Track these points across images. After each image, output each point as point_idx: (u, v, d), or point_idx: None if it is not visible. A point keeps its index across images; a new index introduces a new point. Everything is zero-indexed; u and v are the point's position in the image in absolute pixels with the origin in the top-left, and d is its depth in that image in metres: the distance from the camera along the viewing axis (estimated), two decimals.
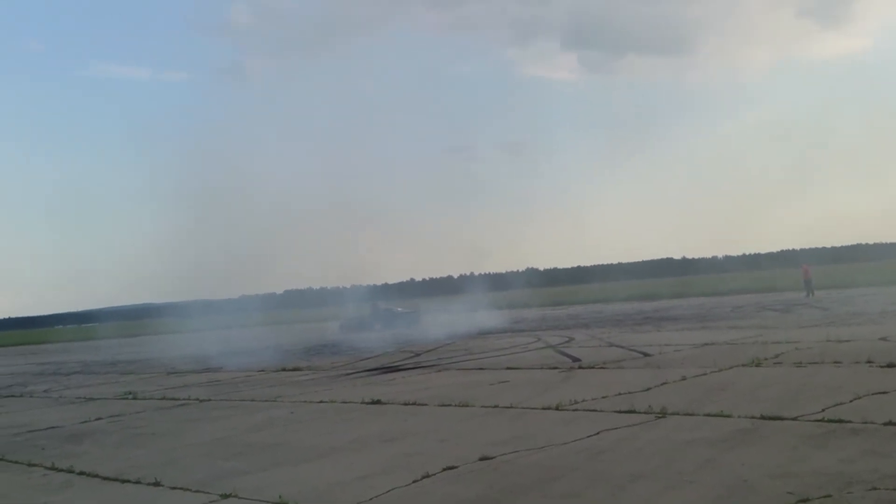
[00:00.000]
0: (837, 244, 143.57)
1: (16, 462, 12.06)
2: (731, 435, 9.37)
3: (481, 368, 19.65)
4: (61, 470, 11.00)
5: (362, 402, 14.91)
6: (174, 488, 9.18)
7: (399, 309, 44.01)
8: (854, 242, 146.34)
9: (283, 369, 24.33)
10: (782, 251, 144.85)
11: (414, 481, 8.41)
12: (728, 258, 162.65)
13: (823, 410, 10.17)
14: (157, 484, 9.45)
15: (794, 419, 9.93)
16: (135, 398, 19.89)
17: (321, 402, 15.81)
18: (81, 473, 10.60)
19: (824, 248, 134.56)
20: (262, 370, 24.89)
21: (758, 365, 15.44)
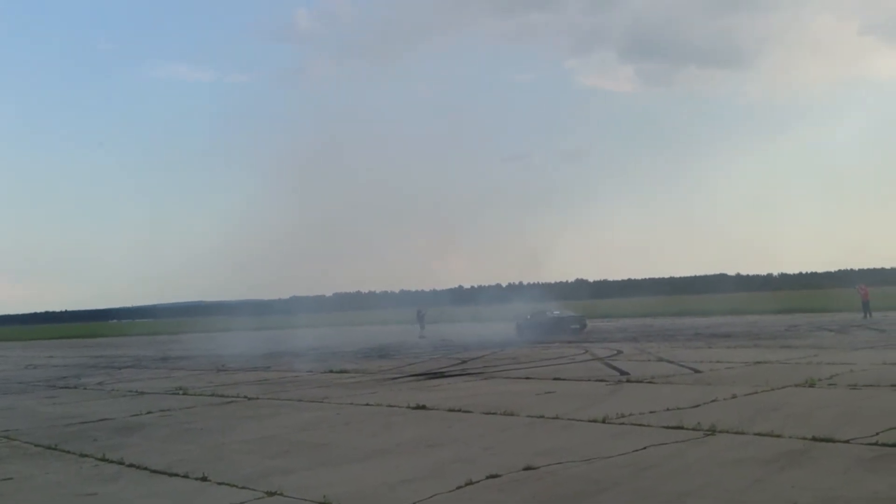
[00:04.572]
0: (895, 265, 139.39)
1: (68, 452, 12.33)
2: (782, 455, 9.17)
3: (528, 378, 19.56)
4: (112, 461, 11.22)
5: (408, 407, 14.96)
6: (221, 483, 9.30)
7: None
8: None
9: (331, 371, 24.55)
10: (838, 271, 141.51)
11: (457, 487, 8.40)
12: (784, 275, 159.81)
13: (877, 434, 9.89)
14: (204, 479, 9.60)
15: (847, 442, 9.69)
16: (185, 394, 20.23)
17: (367, 404, 15.90)
18: (131, 465, 10.81)
19: (882, 270, 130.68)
20: (310, 371, 25.14)
21: (811, 385, 15.10)
